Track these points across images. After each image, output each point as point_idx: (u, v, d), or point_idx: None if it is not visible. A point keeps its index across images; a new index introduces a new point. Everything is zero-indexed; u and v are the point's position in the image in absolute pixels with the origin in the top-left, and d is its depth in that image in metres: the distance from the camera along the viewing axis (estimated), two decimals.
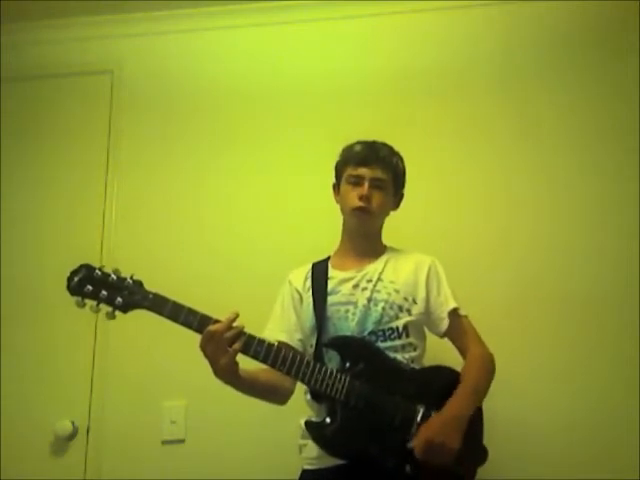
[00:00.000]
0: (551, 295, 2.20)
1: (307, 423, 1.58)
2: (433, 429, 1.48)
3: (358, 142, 1.76)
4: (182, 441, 2.24)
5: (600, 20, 2.43)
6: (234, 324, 1.49)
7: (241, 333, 1.49)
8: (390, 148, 1.77)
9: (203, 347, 1.48)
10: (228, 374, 1.51)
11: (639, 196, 2.23)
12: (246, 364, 1.56)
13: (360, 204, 1.69)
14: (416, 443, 1.47)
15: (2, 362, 2.34)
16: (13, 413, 2.28)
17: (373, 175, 1.70)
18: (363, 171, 1.71)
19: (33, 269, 2.43)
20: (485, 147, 2.38)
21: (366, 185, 1.69)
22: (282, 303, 1.78)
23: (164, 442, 2.24)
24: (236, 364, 1.52)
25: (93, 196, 2.50)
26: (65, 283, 1.48)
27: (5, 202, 2.53)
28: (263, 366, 1.54)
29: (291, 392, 1.71)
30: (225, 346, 1.47)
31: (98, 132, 2.57)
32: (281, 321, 1.76)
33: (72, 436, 2.27)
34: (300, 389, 1.68)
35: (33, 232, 2.50)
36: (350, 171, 1.73)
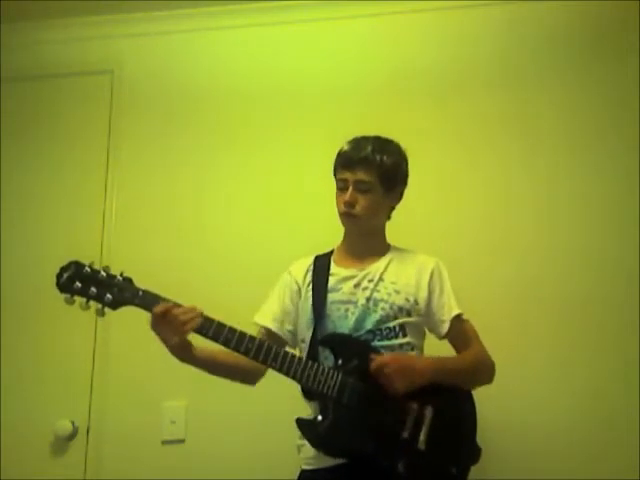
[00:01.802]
0: (551, 295, 2.20)
1: (298, 421, 1.56)
2: (394, 363, 1.51)
3: (349, 141, 1.74)
4: (182, 441, 2.24)
5: (600, 20, 2.42)
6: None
7: (198, 316, 1.49)
8: (380, 143, 1.71)
9: (154, 327, 1.49)
10: (180, 351, 1.53)
11: (639, 196, 2.23)
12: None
13: (344, 209, 1.69)
14: (375, 361, 1.51)
15: (2, 362, 2.34)
16: (13, 413, 2.29)
17: (355, 178, 1.67)
18: (346, 175, 1.68)
19: (33, 270, 2.43)
20: (485, 147, 2.38)
21: (350, 189, 1.67)
22: (278, 291, 1.77)
23: (164, 442, 2.25)
24: (189, 344, 1.53)
25: (93, 196, 2.50)
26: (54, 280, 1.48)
27: (5, 202, 2.53)
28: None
29: (262, 372, 1.68)
30: (177, 327, 1.47)
31: (98, 132, 2.57)
32: (273, 308, 1.75)
33: (72, 436, 2.27)
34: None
35: (33, 233, 2.50)
36: (338, 175, 1.72)
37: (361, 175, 1.67)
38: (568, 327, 2.17)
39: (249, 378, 1.70)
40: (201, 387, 2.19)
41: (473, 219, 2.31)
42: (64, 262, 1.51)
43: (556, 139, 2.35)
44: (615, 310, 2.16)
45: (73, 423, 2.27)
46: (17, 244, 2.49)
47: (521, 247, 2.26)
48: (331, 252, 1.80)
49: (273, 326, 1.72)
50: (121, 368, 2.32)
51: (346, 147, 1.73)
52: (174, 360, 2.17)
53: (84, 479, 2.25)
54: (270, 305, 1.76)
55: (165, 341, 1.50)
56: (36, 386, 2.33)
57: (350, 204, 1.67)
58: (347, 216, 1.69)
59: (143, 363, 2.30)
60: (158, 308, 1.47)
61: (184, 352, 1.54)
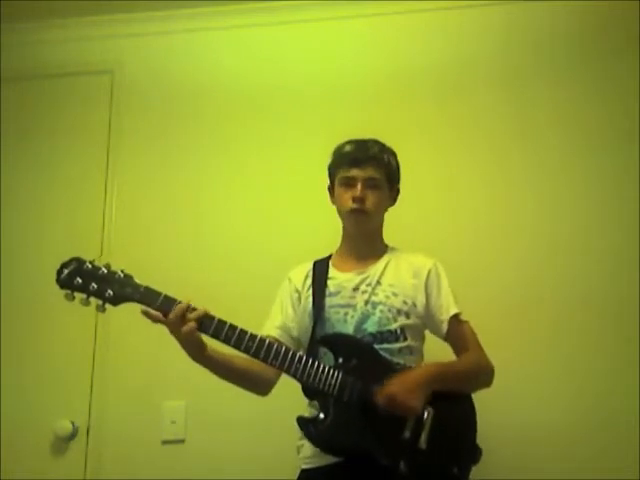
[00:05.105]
0: (551, 295, 2.20)
1: (299, 419, 1.56)
2: (400, 389, 1.48)
3: (348, 142, 1.75)
4: (182, 441, 2.24)
5: (600, 20, 2.42)
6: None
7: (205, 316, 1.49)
8: (381, 145, 1.74)
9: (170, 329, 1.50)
10: (193, 349, 1.52)
11: (639, 196, 2.23)
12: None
13: (354, 206, 1.68)
14: (380, 396, 1.48)
15: (2, 362, 2.34)
16: (13, 413, 2.29)
17: (366, 175, 1.68)
18: (355, 172, 1.69)
19: (33, 270, 2.42)
20: (485, 147, 2.38)
21: (359, 186, 1.68)
22: (281, 301, 1.77)
23: (164, 442, 2.25)
24: (203, 343, 1.53)
25: (93, 196, 2.50)
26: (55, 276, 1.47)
27: (5, 203, 2.53)
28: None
29: (273, 383, 1.69)
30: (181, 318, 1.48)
31: (98, 132, 2.57)
32: (278, 318, 1.74)
33: (72, 436, 2.27)
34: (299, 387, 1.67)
35: (33, 235, 2.50)
36: (343, 173, 1.72)
37: (371, 172, 1.69)
38: (568, 327, 2.16)
39: (261, 387, 1.69)
40: (201, 387, 2.19)
41: (473, 219, 2.30)
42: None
43: (556, 139, 2.35)
44: (615, 310, 2.16)
45: (73, 423, 2.27)
46: (17, 244, 2.48)
47: (521, 247, 2.25)
48: (329, 257, 1.80)
49: (277, 334, 1.70)
50: (121, 368, 2.32)
51: (348, 147, 1.73)
52: (174, 360, 2.17)
53: (84, 479, 2.24)
54: (274, 315, 1.76)
55: (175, 334, 1.50)
56: (36, 386, 2.33)
57: (361, 200, 1.68)
58: (357, 212, 1.69)
59: (143, 363, 2.30)
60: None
61: (197, 350, 1.54)
